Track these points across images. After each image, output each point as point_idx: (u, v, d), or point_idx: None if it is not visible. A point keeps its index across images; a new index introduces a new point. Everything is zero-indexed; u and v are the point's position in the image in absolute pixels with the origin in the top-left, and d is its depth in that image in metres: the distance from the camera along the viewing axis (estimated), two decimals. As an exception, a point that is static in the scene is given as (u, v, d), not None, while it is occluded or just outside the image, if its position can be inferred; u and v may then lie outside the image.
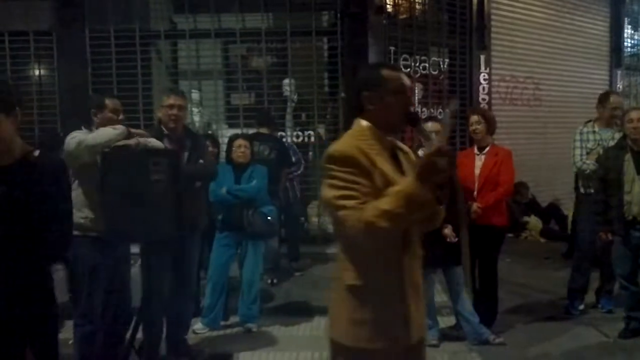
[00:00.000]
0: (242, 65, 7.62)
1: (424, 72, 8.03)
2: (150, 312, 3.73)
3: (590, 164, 5.18)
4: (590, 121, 5.47)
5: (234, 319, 5.16)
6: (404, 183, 1.93)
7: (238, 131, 6.53)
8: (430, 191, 1.87)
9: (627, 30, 10.56)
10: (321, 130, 7.74)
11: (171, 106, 4.10)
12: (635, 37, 10.89)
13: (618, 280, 5.04)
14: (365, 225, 1.90)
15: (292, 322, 5.24)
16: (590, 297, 5.56)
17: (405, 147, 2.31)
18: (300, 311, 5.50)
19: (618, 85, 10.01)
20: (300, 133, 7.49)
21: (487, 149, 4.82)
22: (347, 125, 6.89)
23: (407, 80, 2.19)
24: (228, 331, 5.04)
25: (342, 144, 2.08)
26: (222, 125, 7.59)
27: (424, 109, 8.01)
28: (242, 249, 5.06)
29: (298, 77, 7.64)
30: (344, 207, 1.96)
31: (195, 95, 7.46)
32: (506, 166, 4.75)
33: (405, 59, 7.79)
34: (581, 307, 5.44)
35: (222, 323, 5.08)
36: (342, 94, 7.49)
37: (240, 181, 5.00)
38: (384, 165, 2.07)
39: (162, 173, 3.67)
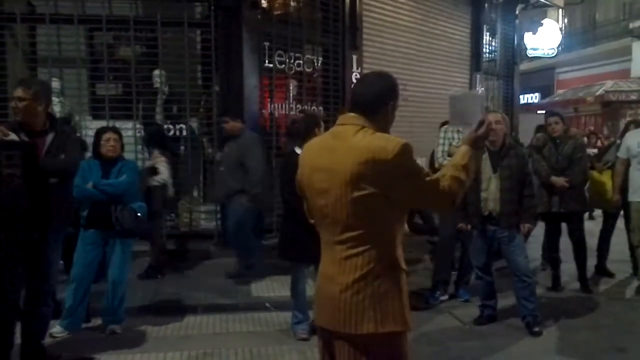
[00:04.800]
0: (108, 54, 7.23)
1: (298, 69, 8.08)
2: (1, 315, 3.46)
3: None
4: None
5: (97, 321, 4.90)
6: (464, 155, 2.30)
7: (103, 123, 6.22)
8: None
9: (486, 37, 11.31)
10: (194, 123, 7.55)
11: (18, 99, 3.86)
12: (493, 43, 11.70)
13: (474, 271, 5.40)
14: (455, 192, 2.21)
15: (160, 322, 5.08)
16: (449, 287, 5.92)
17: None
18: (169, 310, 5.35)
19: (477, 88, 10.70)
20: (171, 126, 7.24)
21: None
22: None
23: None
24: (90, 334, 4.78)
25: (399, 138, 2.19)
26: (86, 116, 7.17)
27: (298, 106, 8.08)
28: (109, 247, 4.81)
29: (169, 69, 7.39)
30: (436, 181, 2.19)
31: (56, 84, 6.96)
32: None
33: (280, 55, 7.79)
34: (444, 297, 5.77)
35: (84, 325, 4.82)
36: (217, 88, 7.36)
37: (109, 176, 4.74)
38: None
39: (15, 167, 3.44)
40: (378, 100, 2.28)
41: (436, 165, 5.85)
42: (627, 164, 6.06)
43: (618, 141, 6.77)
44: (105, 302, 4.80)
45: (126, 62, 7.28)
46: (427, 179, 2.20)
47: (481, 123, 2.36)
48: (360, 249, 2.18)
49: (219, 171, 6.29)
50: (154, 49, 7.23)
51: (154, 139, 6.46)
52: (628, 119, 10.48)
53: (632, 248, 6.37)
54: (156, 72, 7.32)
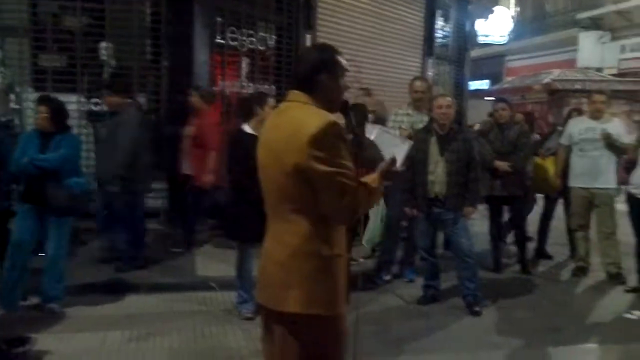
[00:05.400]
0: (52, 24, 6.95)
1: (251, 46, 7.97)
2: None
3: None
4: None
5: (35, 299, 4.77)
6: (374, 180, 2.22)
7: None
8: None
9: (439, 22, 11.37)
10: (142, 99, 7.35)
11: None
12: (446, 28, 11.77)
13: (419, 253, 5.49)
14: (357, 209, 2.17)
15: (101, 301, 4.99)
16: (395, 268, 6.01)
17: None
18: (111, 289, 5.25)
19: (429, 73, 10.77)
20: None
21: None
22: (172, 96, 6.40)
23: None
24: (28, 313, 4.66)
25: (329, 116, 2.09)
26: (28, 88, 6.89)
27: (250, 84, 7.98)
28: (46, 223, 4.66)
29: (117, 42, 7.15)
30: (346, 186, 2.08)
31: (-5, 53, 6.68)
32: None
33: (232, 32, 7.66)
34: (387, 277, 5.86)
35: (21, 304, 4.68)
36: (165, 63, 7.19)
37: (46, 150, 4.58)
38: None
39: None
40: (312, 75, 2.22)
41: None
42: (569, 150, 6.26)
43: (559, 128, 6.97)
44: (43, 280, 4.67)
45: (71, 33, 7.01)
46: (344, 179, 2.07)
47: (393, 162, 2.33)
48: (293, 226, 2.16)
49: (99, 148, 6.03)
50: (100, 20, 6.99)
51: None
52: (571, 107, 10.76)
53: (570, 232, 6.61)
54: (103, 44, 7.07)
